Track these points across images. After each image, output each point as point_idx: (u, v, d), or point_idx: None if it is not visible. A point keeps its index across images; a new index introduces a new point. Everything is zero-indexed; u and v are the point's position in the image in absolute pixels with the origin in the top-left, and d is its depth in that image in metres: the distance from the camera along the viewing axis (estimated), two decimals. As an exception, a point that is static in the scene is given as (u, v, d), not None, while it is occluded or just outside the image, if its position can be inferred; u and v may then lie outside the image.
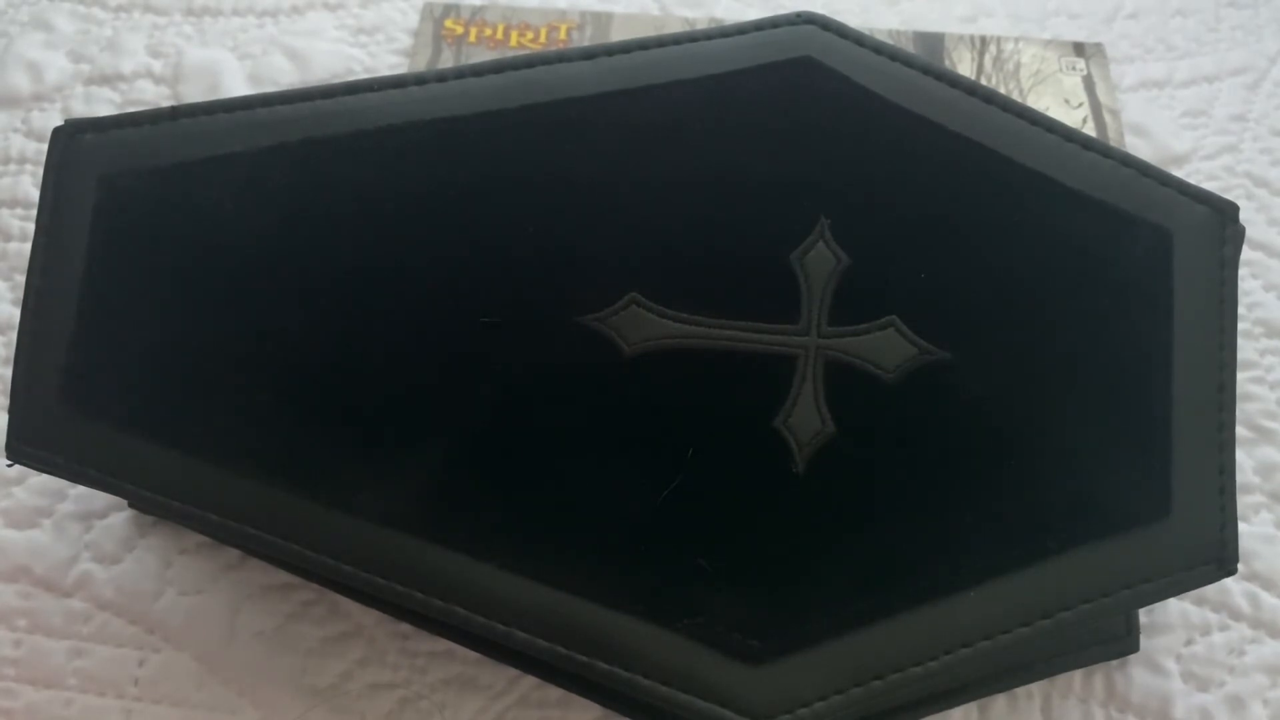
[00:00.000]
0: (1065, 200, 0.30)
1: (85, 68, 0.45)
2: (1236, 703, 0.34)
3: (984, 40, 0.47)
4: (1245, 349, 0.40)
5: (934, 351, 0.29)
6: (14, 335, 0.32)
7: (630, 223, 0.29)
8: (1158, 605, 0.35)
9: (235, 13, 0.48)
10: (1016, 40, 0.48)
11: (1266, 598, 0.35)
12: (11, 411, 0.29)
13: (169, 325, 0.29)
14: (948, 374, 0.29)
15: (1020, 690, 0.34)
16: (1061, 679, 0.34)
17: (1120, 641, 0.33)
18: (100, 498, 0.35)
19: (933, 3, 0.49)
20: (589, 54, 0.30)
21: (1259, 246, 0.43)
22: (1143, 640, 0.34)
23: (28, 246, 0.38)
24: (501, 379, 0.28)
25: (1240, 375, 0.37)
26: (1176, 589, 0.29)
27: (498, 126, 0.29)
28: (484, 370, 0.28)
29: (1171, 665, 0.34)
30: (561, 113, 0.30)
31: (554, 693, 0.33)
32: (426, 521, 0.28)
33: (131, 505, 0.35)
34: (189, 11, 0.47)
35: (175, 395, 0.28)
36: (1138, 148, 0.45)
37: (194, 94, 0.45)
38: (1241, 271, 0.40)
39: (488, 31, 0.47)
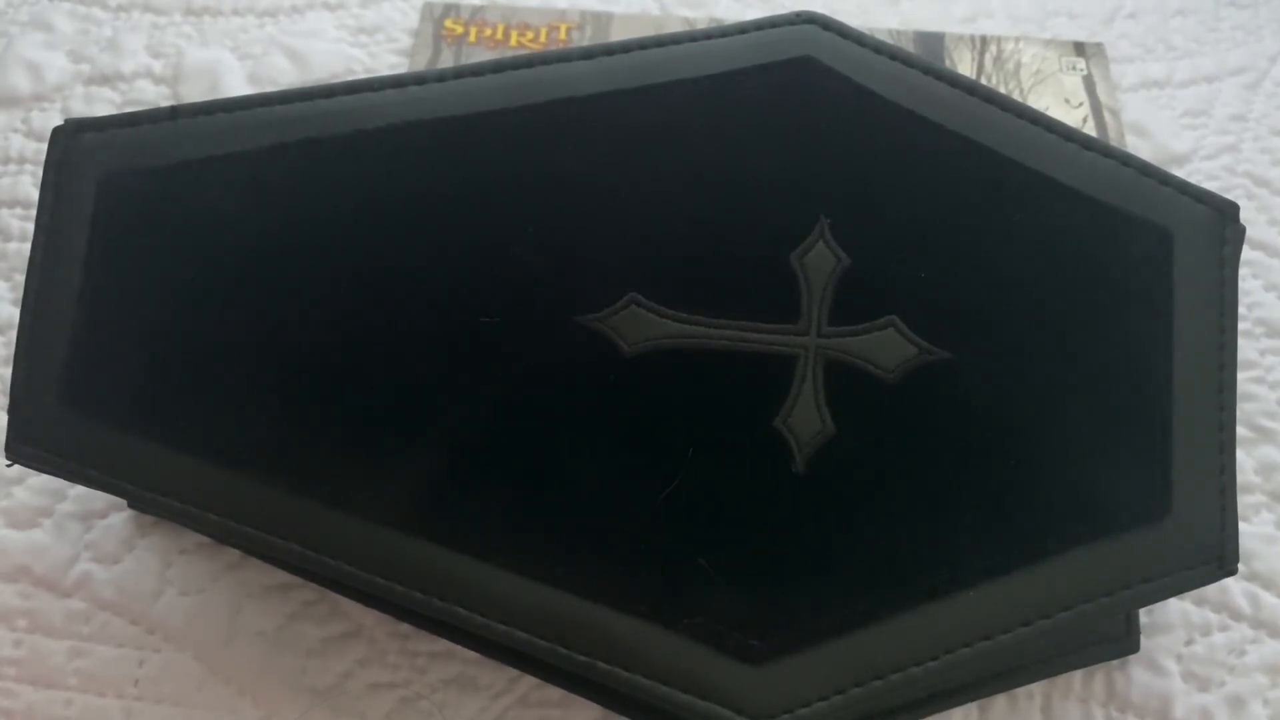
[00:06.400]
0: (1065, 200, 0.30)
1: (85, 68, 0.45)
2: (1237, 703, 0.34)
3: (984, 40, 0.47)
4: (1245, 349, 0.40)
5: (934, 351, 0.29)
6: (14, 335, 0.32)
7: (630, 223, 0.29)
8: (1158, 605, 0.35)
9: (235, 13, 0.48)
10: (1016, 40, 0.48)
11: (1266, 598, 0.35)
12: (11, 411, 0.29)
13: (168, 325, 0.29)
14: (948, 374, 0.29)
15: (1020, 690, 0.33)
16: (1061, 679, 0.34)
17: (1120, 641, 0.33)
18: (100, 498, 0.35)
19: (933, 3, 0.49)
20: (589, 54, 0.30)
21: (1259, 246, 0.43)
22: (1143, 640, 0.34)
23: (28, 246, 0.38)
24: (501, 379, 0.28)
25: (1240, 375, 0.36)
26: (1176, 589, 0.29)
27: (498, 126, 0.29)
28: (484, 370, 0.28)
29: (1171, 665, 0.34)
30: (561, 113, 0.30)
31: (554, 693, 0.33)
32: (426, 521, 0.28)
33: (131, 505, 0.35)
34: (189, 11, 0.47)
35: (175, 395, 0.28)
36: (1138, 148, 0.45)
37: (194, 94, 0.45)
38: (1241, 271, 0.40)
39: (488, 31, 0.47)
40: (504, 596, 0.28)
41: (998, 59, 0.47)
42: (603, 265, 0.29)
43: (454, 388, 0.28)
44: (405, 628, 0.34)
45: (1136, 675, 0.34)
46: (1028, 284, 0.30)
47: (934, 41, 0.47)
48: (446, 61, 0.46)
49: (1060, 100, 0.46)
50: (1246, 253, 0.40)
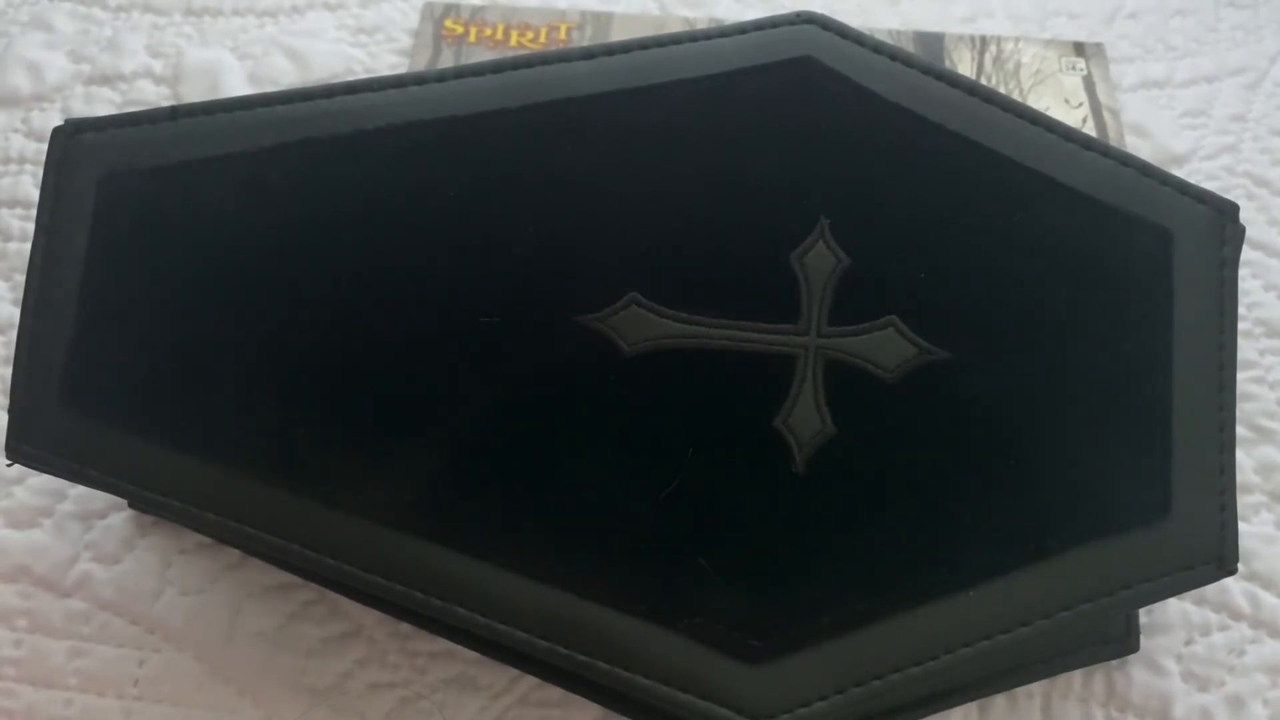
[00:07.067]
0: (1065, 200, 0.30)
1: (85, 68, 0.45)
2: (1236, 703, 0.34)
3: (984, 40, 0.47)
4: (1245, 349, 0.40)
5: (934, 351, 0.29)
6: (14, 335, 0.32)
7: (630, 222, 0.29)
8: (1158, 605, 0.35)
9: (235, 13, 0.48)
10: (1016, 40, 0.48)
11: (1266, 598, 0.35)
12: (11, 411, 0.29)
13: (169, 325, 0.29)
14: (947, 374, 0.29)
15: (1020, 690, 0.33)
16: (1061, 679, 0.34)
17: (1120, 641, 0.33)
18: (100, 498, 0.35)
19: (933, 3, 0.49)
20: (589, 54, 0.30)
21: (1259, 246, 0.43)
22: (1143, 640, 0.34)
23: (28, 246, 0.38)
24: (501, 379, 0.28)
25: (1240, 375, 0.36)
26: (1176, 589, 0.29)
27: (498, 126, 0.29)
28: (484, 370, 0.28)
29: (1171, 665, 0.34)
30: (561, 113, 0.30)
31: (554, 693, 0.33)
32: (426, 521, 0.28)
33: (131, 505, 0.35)
34: (189, 11, 0.47)
35: (175, 395, 0.28)
36: (1138, 148, 0.45)
37: (194, 94, 0.45)
38: (1241, 271, 0.40)
39: (488, 31, 0.47)
40: (504, 596, 0.28)
41: (998, 59, 0.47)
42: (603, 265, 0.29)
43: (454, 388, 0.28)
44: (405, 628, 0.34)
45: (1136, 675, 0.34)
46: (1028, 284, 0.30)
47: (934, 41, 0.47)
48: (446, 61, 0.46)
49: (1060, 100, 0.46)
50: (1246, 253, 0.40)
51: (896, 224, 0.30)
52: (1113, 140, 0.45)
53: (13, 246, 0.41)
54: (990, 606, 0.28)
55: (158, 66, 0.46)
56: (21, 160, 0.43)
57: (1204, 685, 0.34)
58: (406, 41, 0.47)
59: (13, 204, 0.42)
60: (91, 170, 0.29)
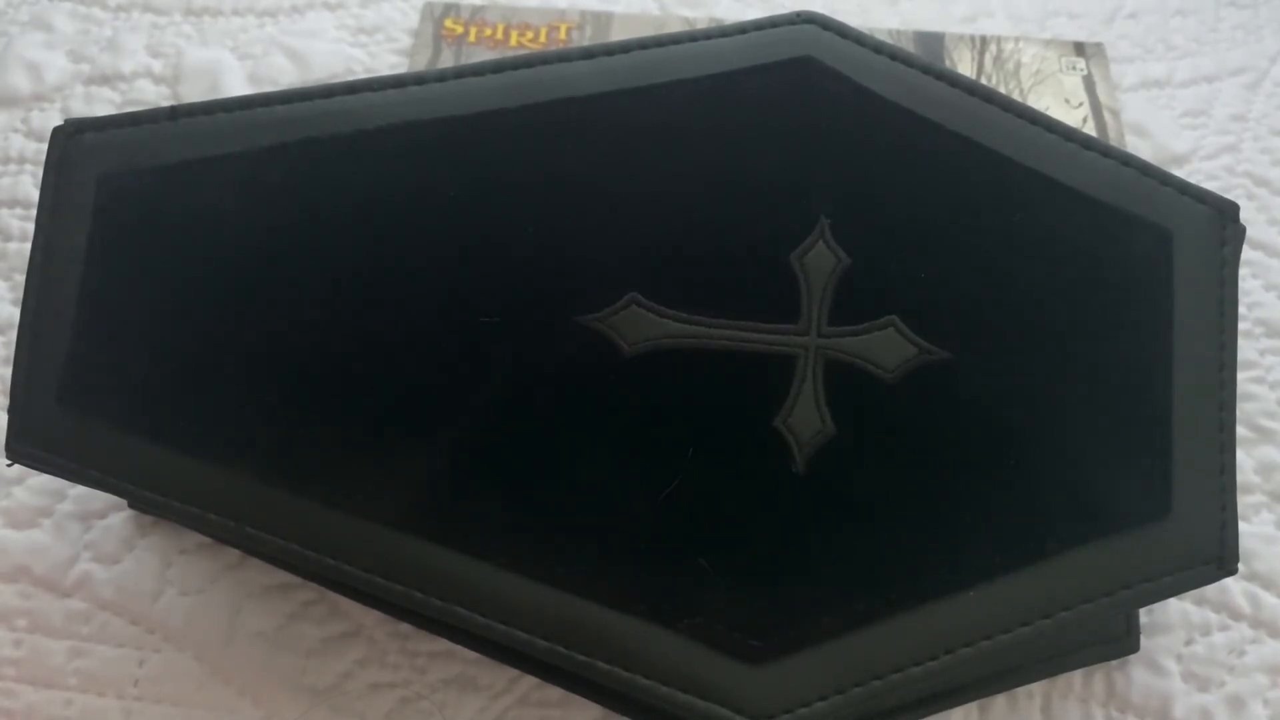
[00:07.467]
0: (1065, 200, 0.30)
1: (85, 68, 0.45)
2: (1236, 703, 0.34)
3: (984, 40, 0.47)
4: (1245, 349, 0.40)
5: (934, 351, 0.29)
6: (14, 335, 0.32)
7: (630, 222, 0.29)
8: (1158, 605, 0.35)
9: (235, 13, 0.48)
10: (1016, 40, 0.48)
11: (1266, 598, 0.35)
12: (11, 411, 0.29)
13: (169, 325, 0.29)
14: (948, 374, 0.29)
15: (1020, 690, 0.33)
16: (1061, 679, 0.34)
17: (1120, 641, 0.34)
18: (100, 498, 0.35)
19: (933, 3, 0.49)
20: (589, 54, 0.30)
21: (1259, 246, 0.43)
22: (1143, 640, 0.34)
23: (28, 246, 0.38)
24: (501, 379, 0.28)
25: (1240, 375, 0.36)
26: (1176, 589, 0.29)
27: (498, 126, 0.29)
28: (483, 370, 0.28)
29: (1171, 665, 0.34)
30: (561, 113, 0.30)
31: (554, 693, 0.33)
32: (426, 521, 0.28)
33: (131, 505, 0.35)
34: (189, 11, 0.47)
35: (175, 395, 0.28)
36: (1138, 148, 0.45)
37: (194, 94, 0.45)
38: (1241, 271, 0.40)
39: (488, 31, 0.47)
40: (504, 596, 0.28)
41: (998, 59, 0.47)
42: (603, 265, 0.29)
43: (454, 388, 0.28)
44: (405, 628, 0.34)
45: (1136, 675, 0.34)
46: (1028, 284, 0.30)
47: (934, 41, 0.47)
48: (446, 61, 0.46)
49: (1060, 100, 0.46)
50: (1246, 253, 0.40)
51: (896, 224, 0.30)
52: (1113, 140, 0.45)
53: (13, 246, 0.41)
54: (990, 606, 0.28)
55: (158, 66, 0.46)
56: (21, 160, 0.43)
57: (1204, 685, 0.34)
58: (406, 41, 0.47)
59: (13, 204, 0.42)
60: (91, 170, 0.29)
